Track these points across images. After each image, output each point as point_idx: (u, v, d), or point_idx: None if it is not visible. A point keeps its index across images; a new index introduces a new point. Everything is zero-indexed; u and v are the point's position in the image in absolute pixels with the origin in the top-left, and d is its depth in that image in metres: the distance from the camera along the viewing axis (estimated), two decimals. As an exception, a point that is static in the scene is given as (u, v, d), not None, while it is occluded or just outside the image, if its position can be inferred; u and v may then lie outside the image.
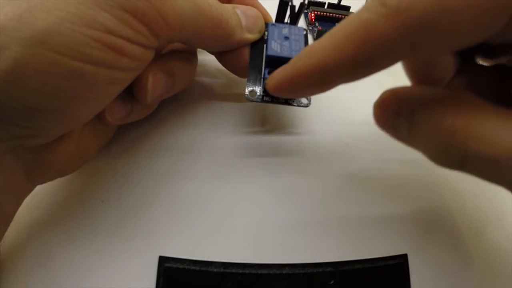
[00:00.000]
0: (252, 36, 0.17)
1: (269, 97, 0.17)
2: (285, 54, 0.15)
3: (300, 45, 0.16)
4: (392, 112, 0.12)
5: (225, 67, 0.18)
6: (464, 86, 0.13)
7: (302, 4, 0.17)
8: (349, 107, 0.20)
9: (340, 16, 0.26)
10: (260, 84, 0.17)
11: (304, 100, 0.17)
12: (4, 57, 0.10)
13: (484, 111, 0.09)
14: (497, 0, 0.08)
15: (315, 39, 0.24)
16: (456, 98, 0.10)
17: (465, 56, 0.13)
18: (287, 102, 0.17)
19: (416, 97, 0.11)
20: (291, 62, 0.12)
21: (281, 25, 0.17)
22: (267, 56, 0.16)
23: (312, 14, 0.26)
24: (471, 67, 0.13)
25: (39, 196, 0.15)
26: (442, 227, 0.16)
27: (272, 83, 0.13)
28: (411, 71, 0.14)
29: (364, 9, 0.10)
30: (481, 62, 0.13)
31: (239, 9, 0.16)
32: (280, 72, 0.12)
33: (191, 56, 0.17)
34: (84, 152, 0.15)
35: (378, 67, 0.10)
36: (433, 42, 0.09)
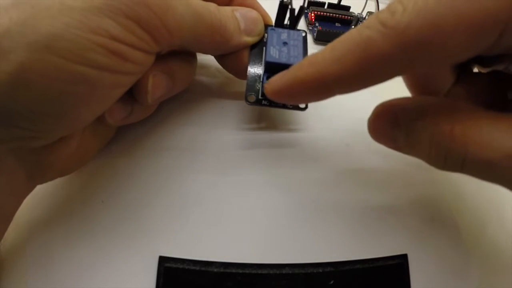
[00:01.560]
0: (251, 39, 0.17)
1: (267, 101, 0.17)
2: (283, 60, 0.16)
3: (299, 51, 0.16)
4: (389, 125, 0.12)
5: (225, 69, 0.18)
6: (463, 94, 0.14)
7: (301, 8, 0.17)
8: (348, 105, 0.20)
9: (340, 16, 0.26)
10: (259, 88, 0.17)
11: (301, 104, 0.17)
12: (9, 61, 0.10)
13: (480, 117, 0.10)
14: (486, 18, 0.09)
15: (315, 39, 0.24)
16: (452, 106, 0.11)
17: (463, 66, 0.13)
18: (285, 106, 0.17)
19: (412, 108, 0.12)
20: (291, 69, 0.12)
21: (280, 30, 0.17)
22: (266, 63, 0.16)
23: (312, 14, 0.26)
24: (469, 75, 0.14)
25: (39, 196, 0.15)
26: (442, 227, 0.16)
27: (271, 88, 0.13)
28: (411, 83, 0.14)
29: (365, 25, 0.10)
30: (477, 69, 0.14)
31: (239, 11, 0.16)
32: (280, 78, 0.13)
33: (190, 57, 0.17)
34: (84, 152, 0.15)
35: (376, 81, 0.11)
36: (430, 59, 0.10)
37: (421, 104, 0.12)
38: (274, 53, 0.16)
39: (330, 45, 0.11)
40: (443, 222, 0.16)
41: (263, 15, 0.18)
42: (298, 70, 0.12)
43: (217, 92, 0.20)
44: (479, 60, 0.13)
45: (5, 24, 0.10)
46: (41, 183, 0.14)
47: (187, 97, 0.19)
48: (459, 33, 0.09)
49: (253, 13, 0.17)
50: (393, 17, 0.09)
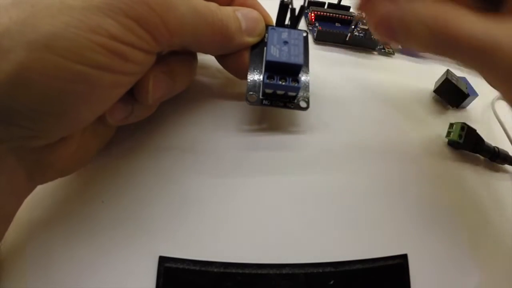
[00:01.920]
0: (252, 39, 0.17)
1: (268, 100, 0.17)
2: (283, 59, 0.16)
3: (299, 50, 0.16)
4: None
5: (226, 69, 0.18)
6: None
7: (302, 7, 0.17)
8: (348, 106, 0.20)
9: (340, 16, 0.26)
10: (260, 88, 0.17)
11: (302, 104, 0.17)
12: (9, 60, 0.10)
13: (468, 11, 0.12)
14: None
15: (315, 39, 0.24)
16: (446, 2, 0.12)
17: None
18: (286, 105, 0.17)
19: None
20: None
21: (280, 29, 0.17)
22: (266, 62, 0.16)
23: (312, 14, 0.26)
24: None
25: (39, 196, 0.15)
26: (442, 227, 0.16)
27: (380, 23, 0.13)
28: None
29: None
30: None
31: (240, 12, 0.16)
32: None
33: (191, 57, 0.17)
34: (84, 153, 0.15)
35: None
36: None
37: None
38: (274, 52, 0.16)
39: None
40: (443, 222, 0.17)
41: (264, 15, 0.18)
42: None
43: (218, 93, 0.20)
44: None
45: (5, 23, 0.10)
46: (41, 183, 0.14)
47: (188, 97, 0.19)
48: None
49: (254, 13, 0.17)
50: None
